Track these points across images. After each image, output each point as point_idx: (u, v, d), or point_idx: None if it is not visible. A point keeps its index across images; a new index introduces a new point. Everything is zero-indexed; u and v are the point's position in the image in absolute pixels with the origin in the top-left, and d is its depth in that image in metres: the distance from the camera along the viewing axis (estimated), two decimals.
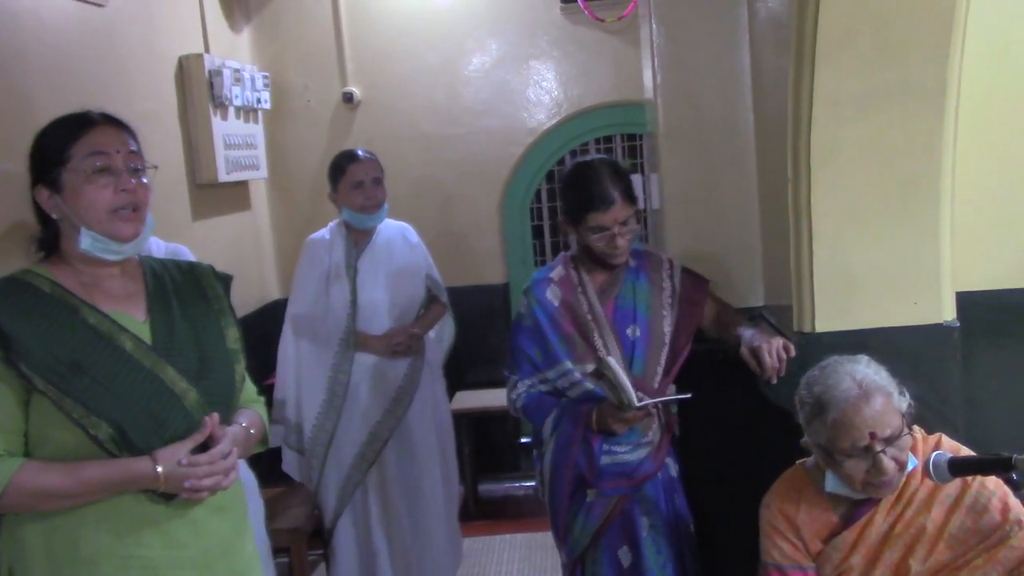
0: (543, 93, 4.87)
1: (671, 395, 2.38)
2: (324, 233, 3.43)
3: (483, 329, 4.64)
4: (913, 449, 1.81)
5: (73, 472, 1.55)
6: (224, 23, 4.43)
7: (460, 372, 3.89)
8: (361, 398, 3.34)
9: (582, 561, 2.43)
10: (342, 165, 3.33)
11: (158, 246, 2.70)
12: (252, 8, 4.75)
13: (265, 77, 4.46)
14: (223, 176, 3.98)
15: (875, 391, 1.74)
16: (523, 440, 4.93)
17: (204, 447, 1.64)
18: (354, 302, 3.33)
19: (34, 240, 1.70)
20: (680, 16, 2.72)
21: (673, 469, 2.46)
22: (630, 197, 2.35)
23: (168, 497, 1.62)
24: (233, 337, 1.79)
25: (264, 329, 4.02)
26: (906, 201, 2.08)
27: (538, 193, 5.04)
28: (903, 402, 1.77)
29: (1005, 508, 1.75)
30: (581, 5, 4.62)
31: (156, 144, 3.41)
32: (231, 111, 4.11)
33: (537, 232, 5.08)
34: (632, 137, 4.99)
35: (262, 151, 4.49)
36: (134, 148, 1.69)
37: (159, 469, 1.58)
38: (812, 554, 1.87)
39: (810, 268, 2.12)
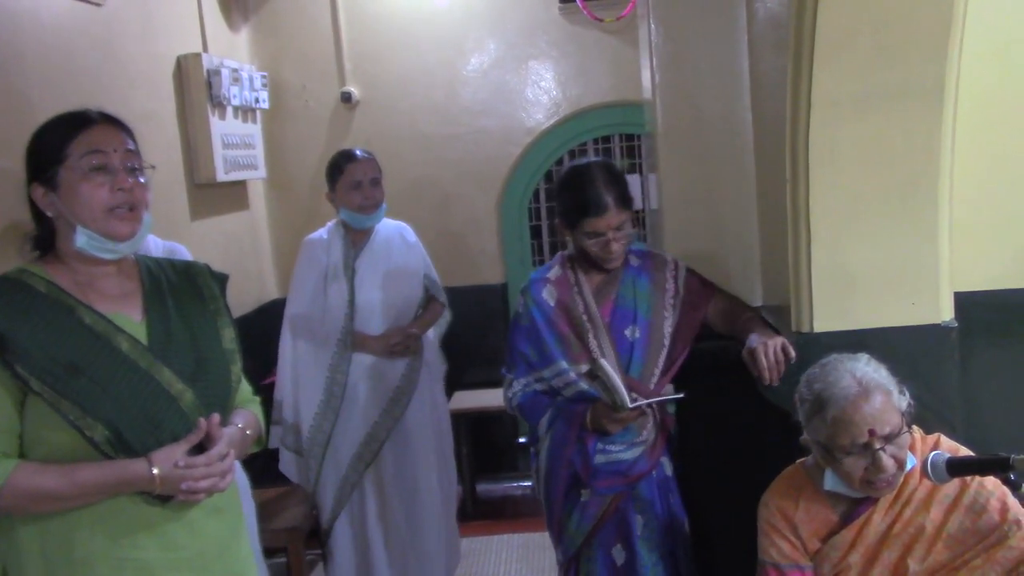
0: (541, 93, 4.87)
1: (664, 395, 2.38)
2: (322, 233, 3.43)
3: (481, 329, 4.63)
4: (912, 449, 1.81)
5: (69, 474, 1.54)
6: (222, 23, 4.42)
7: (458, 372, 3.89)
8: (359, 398, 3.34)
9: (576, 560, 2.44)
10: (340, 165, 3.33)
11: (156, 244, 2.70)
12: (250, 8, 4.74)
13: (263, 77, 4.46)
14: (221, 176, 3.98)
15: (875, 389, 1.74)
16: (521, 440, 4.93)
17: (200, 448, 1.63)
18: (352, 302, 3.32)
19: (29, 239, 1.68)
20: (679, 16, 2.72)
21: (668, 468, 2.47)
22: (625, 202, 2.35)
23: (164, 499, 1.61)
24: (229, 337, 1.78)
25: (262, 328, 4.02)
26: (905, 201, 2.08)
27: (536, 193, 5.04)
28: (903, 401, 1.78)
29: (1004, 508, 1.75)
30: (580, 5, 4.63)
31: (154, 144, 3.41)
32: (229, 111, 4.11)
33: (535, 232, 5.08)
34: (630, 137, 4.99)
35: (260, 151, 4.49)
36: (131, 147, 1.68)
37: (155, 471, 1.56)
38: (810, 553, 1.87)
39: (808, 268, 2.12)
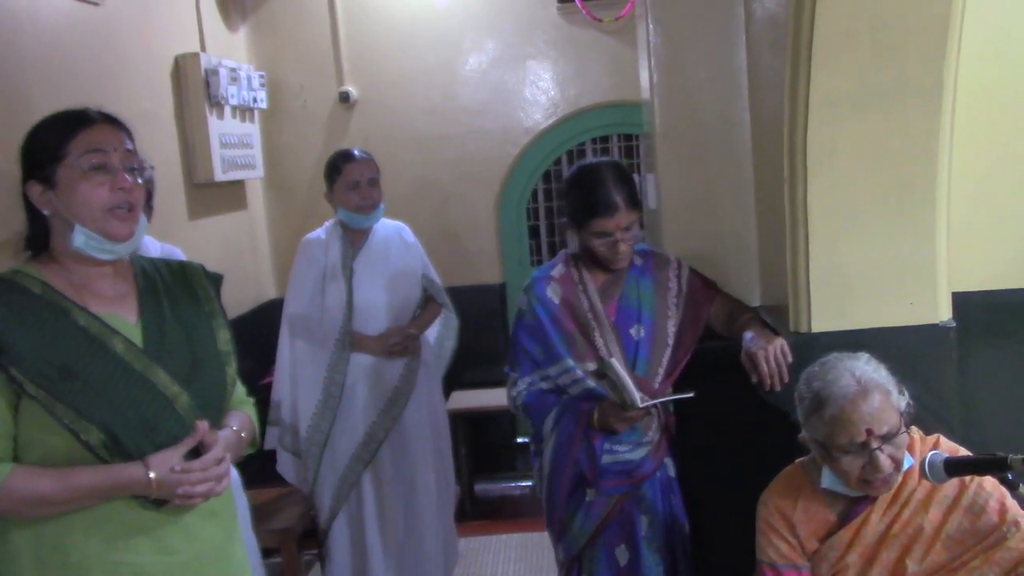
0: (540, 93, 4.87)
1: (673, 395, 2.35)
2: (320, 233, 3.42)
3: (479, 329, 4.62)
4: (911, 449, 1.81)
5: (64, 478, 1.53)
6: (220, 22, 4.42)
7: (456, 372, 3.89)
8: (357, 399, 3.34)
9: (579, 559, 2.43)
10: (338, 165, 3.32)
11: (153, 246, 2.69)
12: (248, 7, 4.74)
13: (261, 76, 4.45)
14: (219, 175, 3.98)
15: (873, 388, 1.74)
16: (520, 440, 4.94)
17: (196, 452, 1.62)
18: (350, 302, 3.32)
19: (22, 238, 1.65)
20: (677, 16, 2.72)
21: (671, 469, 2.47)
22: (634, 203, 2.33)
23: (159, 503, 1.59)
24: (224, 339, 1.76)
25: (260, 328, 4.02)
26: (902, 201, 2.08)
27: (535, 193, 5.04)
28: (902, 400, 1.78)
29: (1002, 509, 1.75)
30: (579, 5, 4.63)
31: (152, 143, 3.41)
32: (227, 110, 4.10)
33: (533, 232, 5.08)
34: (629, 137, 4.99)
35: (258, 150, 4.49)
36: (130, 147, 1.66)
37: (152, 475, 1.55)
38: (808, 553, 1.87)
39: (806, 268, 2.12)
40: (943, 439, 1.87)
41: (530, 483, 4.64)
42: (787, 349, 2.13)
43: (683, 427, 2.57)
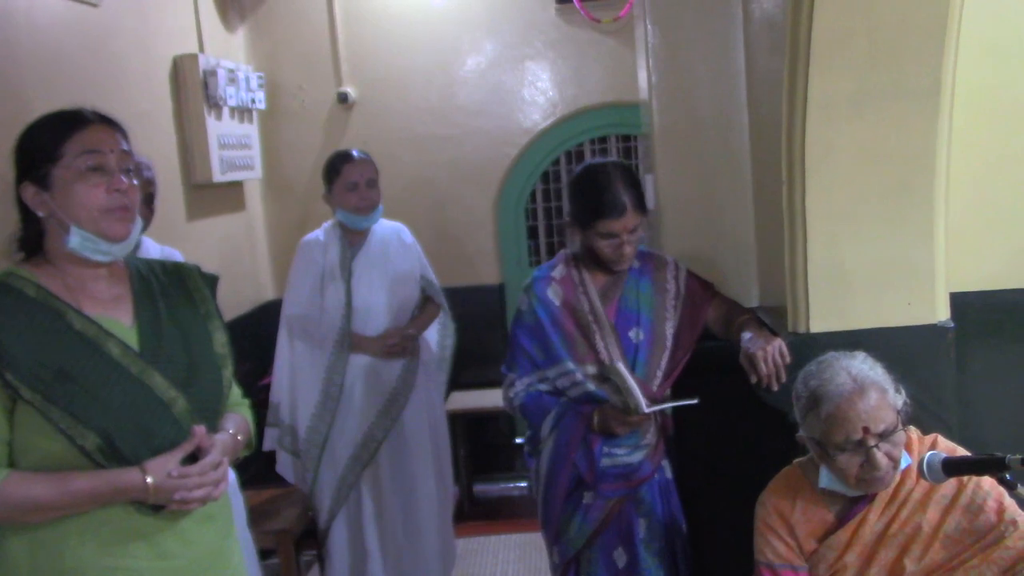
0: (538, 94, 4.87)
1: (678, 400, 2.31)
2: (319, 234, 3.42)
3: (478, 330, 4.62)
4: (909, 449, 1.81)
5: (60, 483, 1.51)
6: (219, 23, 4.42)
7: (455, 372, 3.88)
8: (356, 399, 3.34)
9: (576, 562, 2.43)
10: (336, 166, 3.32)
11: (154, 248, 2.69)
12: (247, 8, 4.74)
13: (260, 77, 4.45)
14: (218, 176, 3.98)
15: (870, 386, 1.75)
16: (518, 440, 4.93)
17: (193, 456, 1.60)
18: (349, 303, 3.32)
19: (14, 239, 1.64)
20: (675, 17, 2.72)
21: (668, 471, 2.46)
22: (641, 205, 2.31)
23: (156, 508, 1.58)
24: (221, 341, 1.75)
25: (259, 330, 4.02)
26: (900, 202, 2.08)
27: (533, 194, 5.04)
28: (898, 399, 1.78)
29: (1000, 508, 1.75)
30: (577, 5, 4.62)
31: (151, 144, 3.41)
32: (226, 111, 4.10)
33: (532, 232, 5.08)
34: (627, 138, 4.99)
35: (257, 151, 4.49)
36: (126, 148, 1.65)
37: (149, 480, 1.53)
38: (806, 553, 1.87)
39: (804, 268, 2.13)
40: (941, 439, 1.87)
41: (528, 484, 4.64)
42: (785, 349, 2.12)
43: (680, 428, 2.57)
